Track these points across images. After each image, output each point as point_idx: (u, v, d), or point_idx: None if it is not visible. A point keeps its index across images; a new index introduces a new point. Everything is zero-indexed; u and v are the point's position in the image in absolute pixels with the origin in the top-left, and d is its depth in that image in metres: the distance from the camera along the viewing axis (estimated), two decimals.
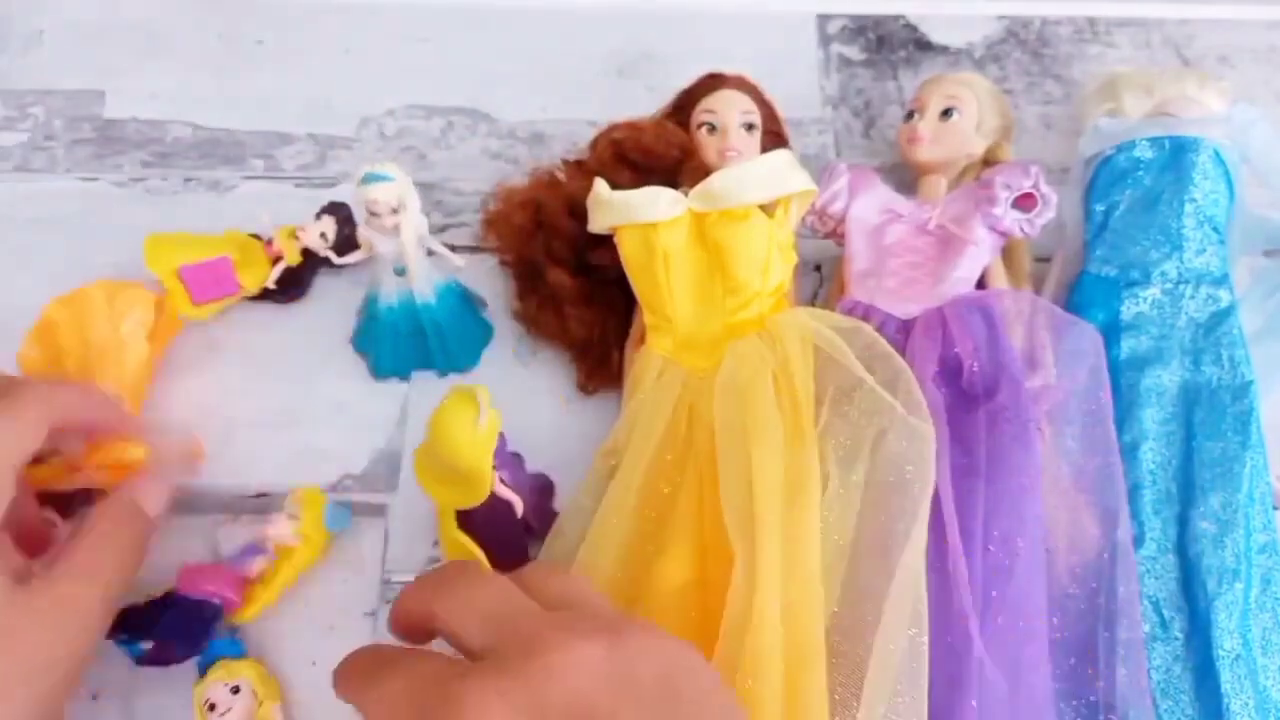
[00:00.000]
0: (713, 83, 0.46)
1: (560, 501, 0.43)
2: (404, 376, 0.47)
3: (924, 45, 0.57)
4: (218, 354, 0.47)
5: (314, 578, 0.42)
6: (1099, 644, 0.37)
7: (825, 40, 0.57)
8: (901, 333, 0.43)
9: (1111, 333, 0.43)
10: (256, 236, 0.47)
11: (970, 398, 0.41)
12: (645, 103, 0.49)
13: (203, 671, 0.39)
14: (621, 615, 0.29)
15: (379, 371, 0.46)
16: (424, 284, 0.44)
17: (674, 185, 0.43)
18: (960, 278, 0.43)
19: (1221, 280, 0.44)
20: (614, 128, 0.46)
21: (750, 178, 0.42)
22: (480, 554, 0.37)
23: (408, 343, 0.46)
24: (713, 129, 0.45)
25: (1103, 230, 0.45)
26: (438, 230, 0.49)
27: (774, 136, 0.47)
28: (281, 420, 0.45)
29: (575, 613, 0.29)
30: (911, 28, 0.58)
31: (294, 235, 0.46)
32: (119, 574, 0.37)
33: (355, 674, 0.28)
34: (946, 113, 0.47)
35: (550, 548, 0.40)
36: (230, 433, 0.45)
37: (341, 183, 0.52)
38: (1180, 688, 0.38)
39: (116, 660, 0.39)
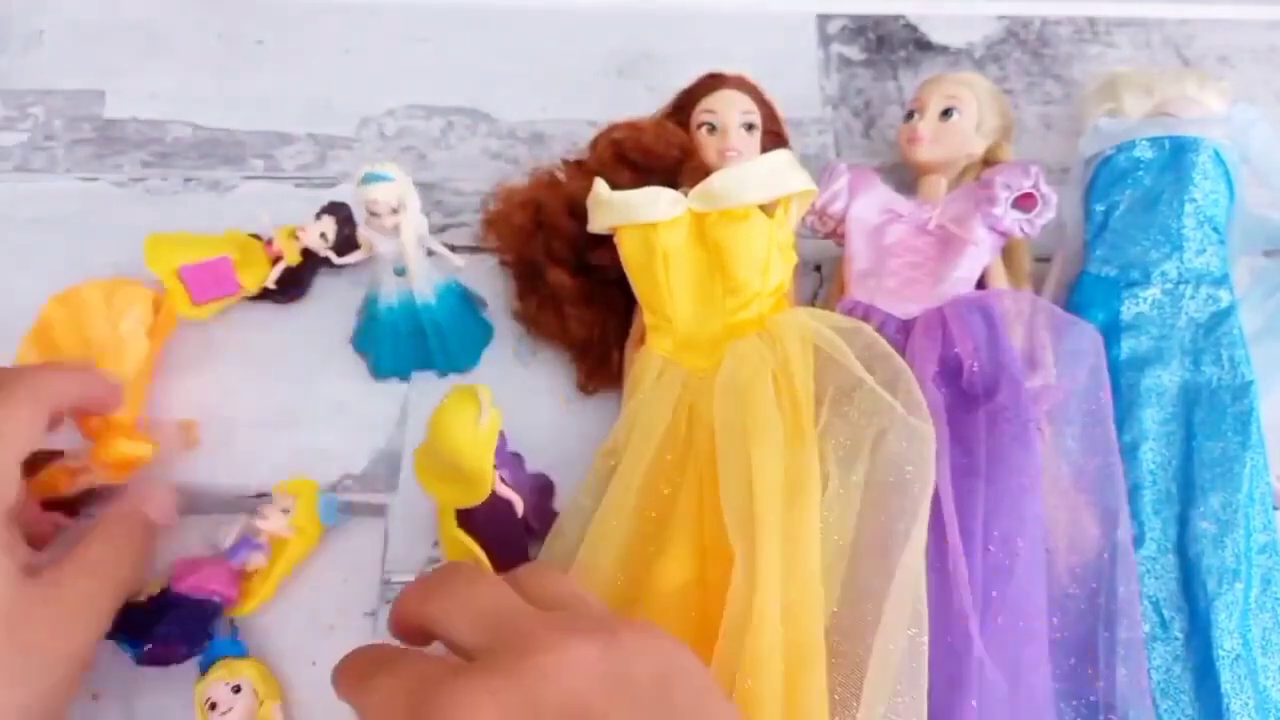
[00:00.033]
0: (713, 83, 0.46)
1: (560, 501, 0.43)
2: (404, 376, 0.47)
3: (924, 45, 0.57)
4: (217, 354, 0.47)
5: (314, 578, 0.42)
6: (1099, 644, 0.37)
7: (825, 40, 0.57)
8: (901, 333, 0.43)
9: (1111, 333, 0.43)
10: (256, 236, 0.47)
11: (970, 398, 0.41)
12: (645, 103, 0.49)
13: (204, 670, 0.39)
14: (616, 615, 0.29)
15: (379, 371, 0.46)
16: (424, 284, 0.44)
17: (674, 185, 0.43)
18: (960, 278, 0.43)
19: (1221, 280, 0.44)
20: (614, 128, 0.46)
21: (750, 178, 0.42)
22: (480, 553, 0.37)
23: (408, 343, 0.46)
24: (713, 129, 0.45)
25: (1103, 230, 0.45)
26: (438, 230, 0.49)
27: (774, 136, 0.47)
28: (281, 420, 0.45)
29: (569, 613, 0.29)
30: (911, 28, 0.58)
31: (294, 235, 0.46)
32: (125, 574, 0.37)
33: (352, 674, 0.29)
34: (946, 113, 0.47)
35: (550, 548, 0.40)
36: (230, 433, 0.45)
37: (341, 183, 0.52)
38: (1180, 688, 0.38)
39: (116, 660, 0.39)
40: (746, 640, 0.33)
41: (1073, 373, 0.41)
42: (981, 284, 0.45)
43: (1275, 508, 0.40)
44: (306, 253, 0.47)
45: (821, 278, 0.49)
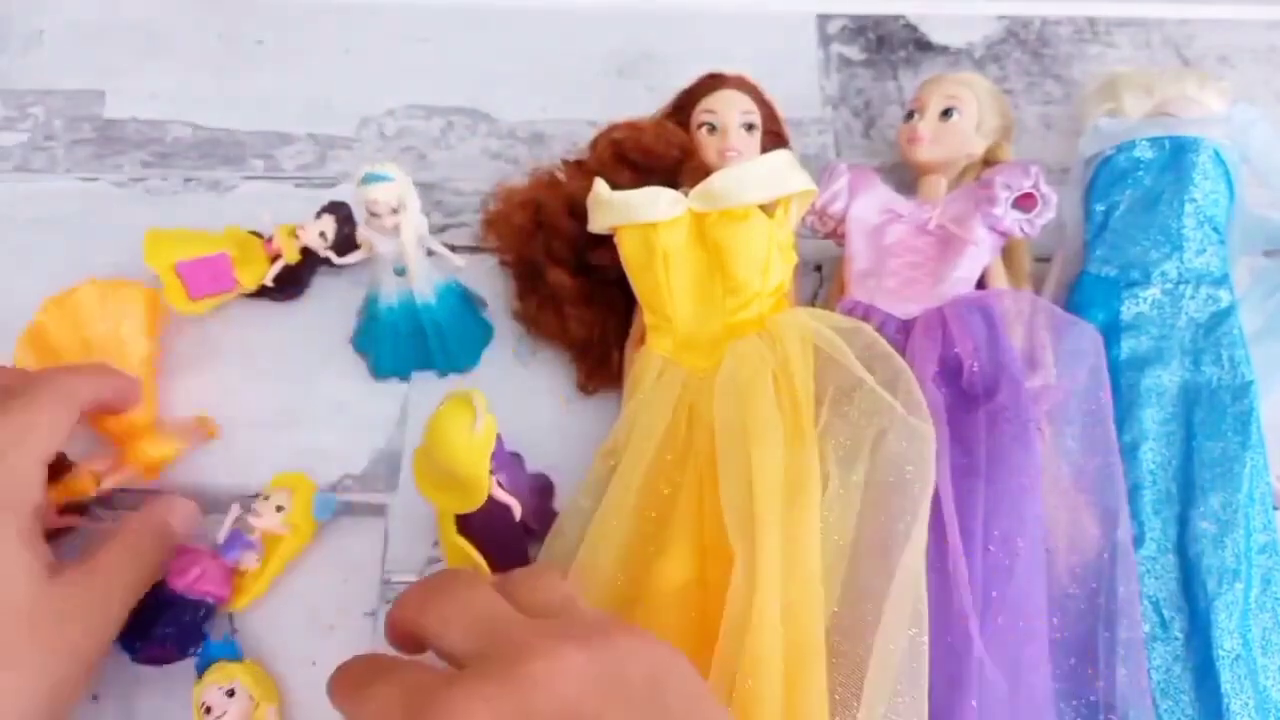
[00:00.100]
0: (713, 83, 0.46)
1: (560, 502, 0.43)
2: (404, 376, 0.47)
3: (924, 45, 0.57)
4: (217, 354, 0.47)
5: (314, 578, 0.42)
6: (1099, 644, 0.37)
7: (825, 40, 0.57)
8: (901, 333, 0.43)
9: (1111, 333, 0.43)
10: (257, 234, 0.47)
11: (970, 398, 0.41)
12: (645, 103, 0.49)
13: (200, 674, 0.39)
14: (608, 620, 0.29)
15: (379, 371, 0.46)
16: (424, 284, 0.44)
17: (674, 185, 0.43)
18: (960, 278, 0.43)
19: (1221, 280, 0.44)
20: (614, 128, 0.46)
21: (750, 178, 0.42)
22: (480, 559, 0.37)
23: (408, 343, 0.46)
24: (713, 129, 0.45)
25: (1103, 230, 0.45)
26: (438, 230, 0.49)
27: (774, 136, 0.47)
28: (281, 420, 0.46)
29: (561, 619, 0.29)
30: (911, 28, 0.58)
31: (293, 234, 0.46)
32: (141, 579, 0.38)
33: (347, 683, 0.29)
34: (946, 113, 0.47)
35: (550, 548, 0.40)
36: (230, 433, 0.45)
37: (341, 183, 0.52)
38: (1180, 688, 0.38)
39: (116, 661, 0.39)
40: (746, 640, 0.33)
41: (1073, 373, 0.41)
42: (981, 284, 0.45)
43: (1275, 508, 0.40)
44: (306, 251, 0.47)
45: (821, 278, 0.49)
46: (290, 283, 0.47)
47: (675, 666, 0.28)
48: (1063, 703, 0.37)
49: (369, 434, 0.45)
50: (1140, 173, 0.45)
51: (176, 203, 0.51)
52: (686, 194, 0.42)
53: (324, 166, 0.53)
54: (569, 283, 0.45)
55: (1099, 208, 0.46)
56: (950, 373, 0.41)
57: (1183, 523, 0.40)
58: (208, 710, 0.37)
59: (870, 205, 0.46)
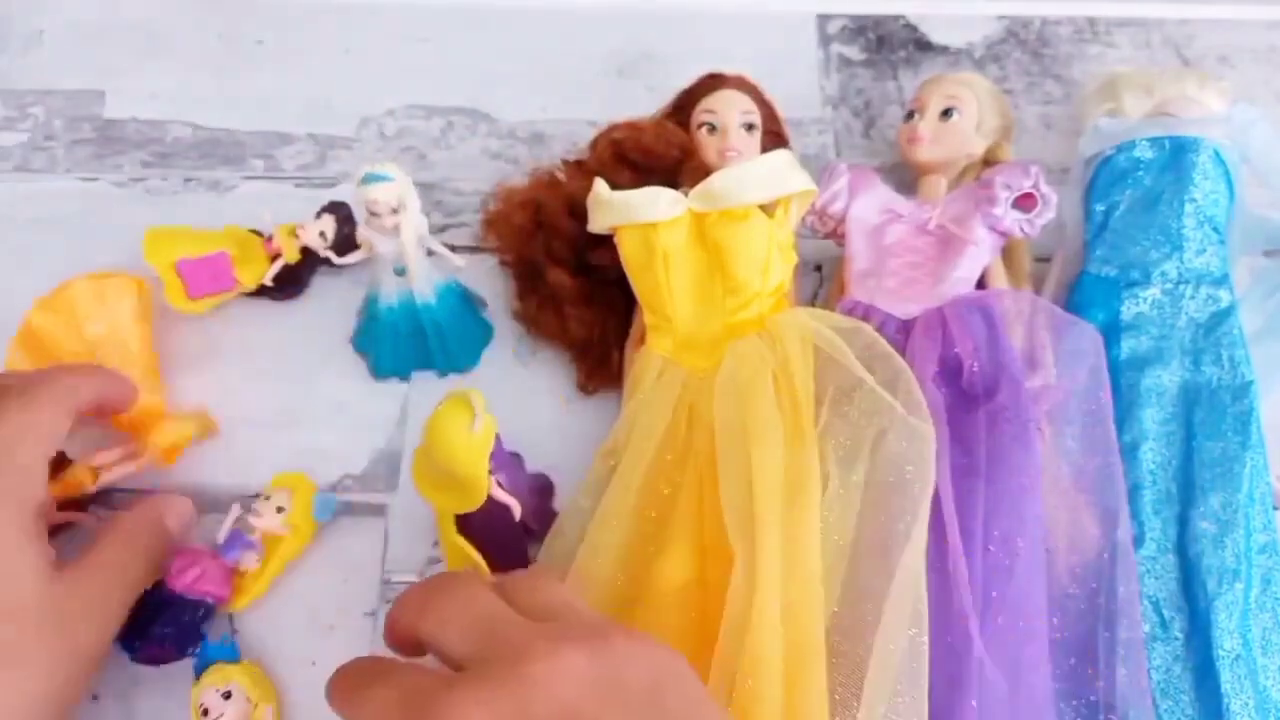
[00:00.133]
0: (713, 83, 0.46)
1: (560, 502, 0.43)
2: (404, 376, 0.47)
3: (924, 45, 0.57)
4: (217, 354, 0.47)
5: (314, 578, 0.42)
6: (1099, 644, 0.37)
7: (825, 40, 0.57)
8: (901, 333, 0.43)
9: (1111, 333, 0.43)
10: (257, 233, 0.47)
11: (970, 398, 0.41)
12: (645, 103, 0.49)
13: (198, 675, 0.39)
14: (608, 623, 0.29)
15: (379, 371, 0.46)
16: (424, 284, 0.44)
17: (674, 185, 0.43)
18: (960, 278, 0.43)
19: (1221, 280, 0.44)
20: (614, 128, 0.46)
21: (750, 178, 0.42)
22: (479, 560, 0.37)
23: (408, 343, 0.46)
24: (713, 129, 0.45)
25: (1103, 230, 0.45)
26: (438, 230, 0.49)
27: (774, 136, 0.47)
28: (281, 420, 0.46)
29: (559, 622, 0.29)
30: (911, 28, 0.58)
31: (293, 233, 0.46)
32: (140, 576, 0.38)
33: (346, 686, 0.29)
34: (946, 113, 0.47)
35: (550, 548, 0.40)
36: (230, 433, 0.45)
37: (341, 183, 0.52)
38: (1180, 688, 0.38)
39: (116, 661, 0.39)
40: (746, 640, 0.33)
41: (1073, 373, 0.41)
42: (981, 284, 0.45)
43: (1275, 508, 0.40)
44: (305, 251, 0.47)
45: (821, 278, 0.49)
46: (290, 282, 0.47)
47: (674, 670, 0.28)
48: (1063, 703, 0.37)
49: (369, 434, 0.45)
50: (1140, 173, 0.45)
51: (176, 203, 0.51)
52: (686, 194, 0.42)
53: (324, 166, 0.53)
54: (569, 283, 0.45)
55: (1099, 208, 0.46)
56: (950, 373, 0.41)
57: (1183, 523, 0.40)
58: (205, 713, 0.37)
59: (870, 205, 0.46)
